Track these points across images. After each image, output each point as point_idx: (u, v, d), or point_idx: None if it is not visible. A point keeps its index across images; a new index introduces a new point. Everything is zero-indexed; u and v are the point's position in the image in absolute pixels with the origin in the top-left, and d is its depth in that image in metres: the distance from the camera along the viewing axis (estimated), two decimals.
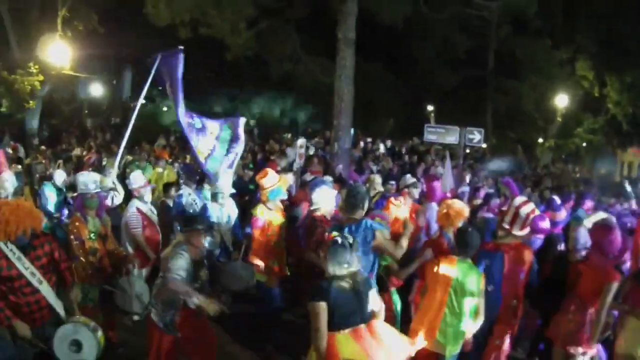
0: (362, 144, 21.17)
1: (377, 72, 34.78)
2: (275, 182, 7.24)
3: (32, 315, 5.04)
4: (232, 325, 7.16)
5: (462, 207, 6.78)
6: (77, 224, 6.47)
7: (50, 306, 5.14)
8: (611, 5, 27.74)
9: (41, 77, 23.37)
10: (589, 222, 7.46)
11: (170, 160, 15.64)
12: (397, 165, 17.28)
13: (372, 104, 33.65)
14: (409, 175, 9.64)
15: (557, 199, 9.31)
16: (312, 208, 7.02)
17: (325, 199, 6.92)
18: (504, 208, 6.40)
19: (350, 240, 4.74)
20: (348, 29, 15.55)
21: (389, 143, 22.87)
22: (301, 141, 15.30)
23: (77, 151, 19.55)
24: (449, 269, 5.50)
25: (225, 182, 8.23)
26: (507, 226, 6.09)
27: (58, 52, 22.99)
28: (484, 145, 22.22)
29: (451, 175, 11.12)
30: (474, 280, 5.46)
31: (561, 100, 30.65)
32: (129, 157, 17.55)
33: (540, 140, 34.38)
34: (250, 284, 6.76)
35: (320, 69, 22.11)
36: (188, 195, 9.08)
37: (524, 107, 31.01)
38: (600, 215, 7.65)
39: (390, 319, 6.19)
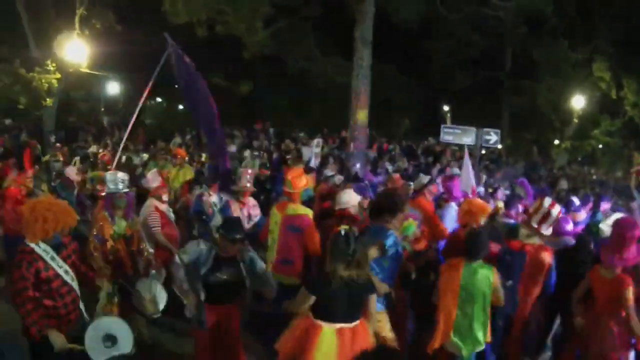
0: (377, 144, 21.13)
1: (392, 72, 34.76)
2: (306, 182, 7.28)
3: (68, 317, 4.89)
4: (243, 324, 7.10)
5: (483, 204, 6.95)
6: (101, 223, 6.42)
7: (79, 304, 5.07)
8: (627, 4, 27.49)
9: (58, 75, 23.52)
10: (605, 225, 7.43)
11: (187, 158, 15.65)
12: (412, 166, 17.24)
13: (388, 104, 33.57)
14: (422, 175, 9.57)
15: (576, 200, 9.28)
16: (339, 208, 6.99)
17: (353, 201, 6.93)
18: (531, 208, 6.41)
19: (356, 234, 5.04)
20: (365, 29, 15.52)
21: (404, 143, 22.86)
22: (317, 141, 15.34)
23: (93, 149, 19.67)
24: (456, 272, 5.55)
25: (247, 182, 8.23)
26: (535, 225, 6.13)
27: (75, 50, 23.13)
28: (500, 146, 22.11)
29: (471, 173, 10.93)
30: (483, 280, 5.46)
31: (578, 102, 30.42)
32: (145, 155, 17.66)
33: (557, 141, 34.19)
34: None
35: (335, 68, 22.11)
36: (208, 196, 9.01)
37: (541, 108, 30.85)
38: (618, 216, 7.55)
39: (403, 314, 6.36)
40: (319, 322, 4.83)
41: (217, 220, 8.48)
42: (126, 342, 4.85)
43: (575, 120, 31.30)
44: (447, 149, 20.09)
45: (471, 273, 5.47)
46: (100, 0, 24.65)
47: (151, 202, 7.81)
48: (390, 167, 16.07)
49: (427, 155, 19.64)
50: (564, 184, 16.26)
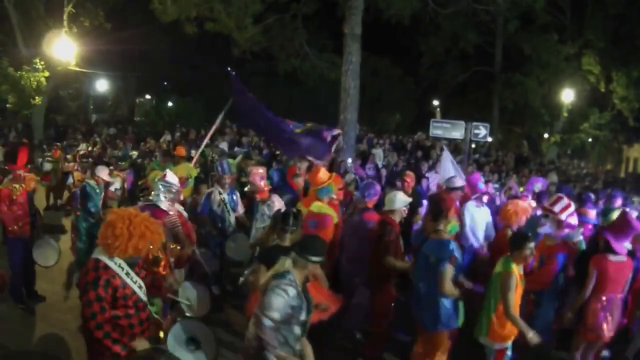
0: (366, 139, 21.18)
1: (384, 67, 34.74)
2: (326, 180, 7.22)
3: (144, 335, 4.50)
4: None
5: (526, 205, 7.23)
6: None
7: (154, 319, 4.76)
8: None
9: (47, 74, 23.48)
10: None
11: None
12: (402, 161, 17.28)
13: (379, 99, 33.61)
14: (457, 177, 9.47)
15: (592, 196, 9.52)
16: (386, 209, 6.84)
17: (401, 203, 6.77)
18: (552, 198, 6.73)
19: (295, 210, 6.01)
20: (355, 24, 15.53)
21: (394, 138, 22.92)
22: None
23: (82, 147, 19.61)
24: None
25: (261, 181, 8.21)
26: (557, 210, 6.47)
27: (64, 48, 23.10)
28: (490, 139, 22.20)
29: (452, 168, 10.72)
30: (498, 278, 5.63)
31: (567, 96, 30.57)
32: (135, 153, 17.60)
33: (546, 135, 34.34)
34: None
35: (327, 64, 22.08)
36: (218, 195, 8.79)
37: (531, 102, 30.95)
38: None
39: None
40: None
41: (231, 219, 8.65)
42: (210, 344, 4.71)
43: (565, 114, 31.43)
44: (437, 144, 20.14)
45: (498, 269, 5.69)
46: None
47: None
48: (380, 162, 16.10)
49: (417, 150, 19.68)
50: (554, 178, 16.34)
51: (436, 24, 28.08)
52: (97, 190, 9.31)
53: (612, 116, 30.74)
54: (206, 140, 10.04)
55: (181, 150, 13.43)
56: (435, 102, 39.90)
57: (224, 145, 17.86)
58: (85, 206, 9.05)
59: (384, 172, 14.62)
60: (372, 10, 18.37)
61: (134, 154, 17.49)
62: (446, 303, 5.57)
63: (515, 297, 5.48)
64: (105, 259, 4.24)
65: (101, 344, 4.15)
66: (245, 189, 9.34)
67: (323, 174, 7.32)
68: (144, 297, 4.47)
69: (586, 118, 31.34)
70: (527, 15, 28.31)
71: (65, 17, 23.62)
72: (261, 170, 8.64)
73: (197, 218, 8.62)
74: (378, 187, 7.86)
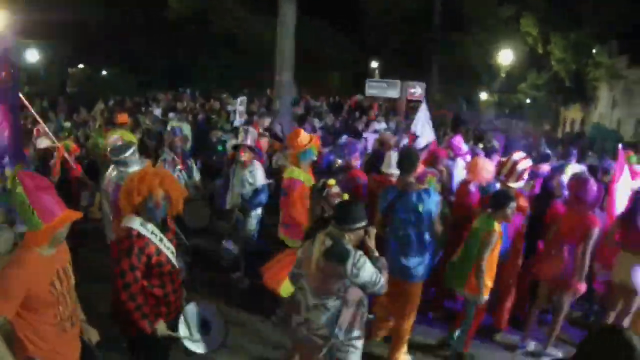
0: (303, 101, 21.01)
1: (322, 27, 34.49)
2: (307, 143, 7.02)
3: (176, 304, 4.35)
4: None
5: (488, 162, 7.27)
6: None
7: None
8: None
9: None
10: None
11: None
12: (339, 122, 17.18)
13: (317, 60, 33.44)
14: (421, 138, 9.52)
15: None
16: (388, 172, 6.85)
17: (394, 165, 6.64)
18: (502, 161, 6.83)
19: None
20: None
21: (330, 99, 22.86)
22: (241, 99, 15.08)
23: None
24: (475, 220, 5.98)
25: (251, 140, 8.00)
26: (503, 178, 6.56)
27: None
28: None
29: (428, 125, 10.82)
30: (484, 231, 5.69)
31: (506, 56, 30.93)
32: (68, 124, 16.94)
33: (485, 96, 34.72)
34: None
35: (263, 26, 21.72)
36: (172, 160, 8.34)
37: (469, 63, 31.21)
38: (576, 167, 8.23)
39: None
40: None
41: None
42: (220, 329, 4.47)
43: (503, 75, 31.82)
44: (375, 104, 20.10)
45: (481, 222, 5.79)
46: None
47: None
48: (317, 124, 15.94)
49: (355, 111, 19.60)
50: (490, 137, 16.49)
51: None
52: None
53: (550, 77, 31.28)
54: None
55: (124, 117, 12.77)
56: (375, 64, 39.94)
57: (157, 112, 17.46)
58: None
59: (320, 133, 14.45)
60: None
61: (67, 125, 16.83)
62: (429, 254, 5.78)
63: (493, 254, 5.66)
64: (138, 227, 4.06)
65: (130, 317, 4.02)
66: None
67: (303, 136, 7.07)
68: (176, 264, 4.33)
69: (524, 79, 31.81)
70: None
71: None
72: (251, 129, 8.29)
73: None
74: (358, 145, 7.78)
